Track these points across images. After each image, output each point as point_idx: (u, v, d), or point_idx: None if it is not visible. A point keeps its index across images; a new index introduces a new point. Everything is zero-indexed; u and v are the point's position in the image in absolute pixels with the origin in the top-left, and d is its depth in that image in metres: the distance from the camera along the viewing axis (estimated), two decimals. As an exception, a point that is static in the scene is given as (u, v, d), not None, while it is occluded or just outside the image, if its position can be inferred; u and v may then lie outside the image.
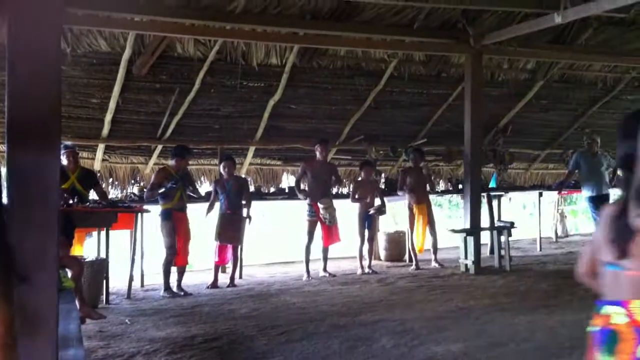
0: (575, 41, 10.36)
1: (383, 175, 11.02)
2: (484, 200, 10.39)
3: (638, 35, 10.51)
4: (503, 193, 11.52)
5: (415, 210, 9.55)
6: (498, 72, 11.04)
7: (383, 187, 10.43)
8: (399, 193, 9.72)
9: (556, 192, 11.71)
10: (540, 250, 11.09)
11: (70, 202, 7.12)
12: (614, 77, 11.94)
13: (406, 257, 10.33)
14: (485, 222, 9.99)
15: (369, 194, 9.35)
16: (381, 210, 9.40)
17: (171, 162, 8.20)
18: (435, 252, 9.66)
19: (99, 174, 9.02)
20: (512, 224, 9.52)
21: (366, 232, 9.32)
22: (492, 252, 9.85)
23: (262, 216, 11.40)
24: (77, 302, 5.56)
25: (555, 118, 12.18)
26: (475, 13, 9.06)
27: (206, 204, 8.63)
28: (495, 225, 9.90)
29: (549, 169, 12.85)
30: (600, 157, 10.73)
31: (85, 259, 7.11)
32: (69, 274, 5.75)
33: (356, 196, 9.34)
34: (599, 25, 10.07)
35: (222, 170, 8.64)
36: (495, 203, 11.07)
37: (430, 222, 9.61)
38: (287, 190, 10.06)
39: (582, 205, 14.11)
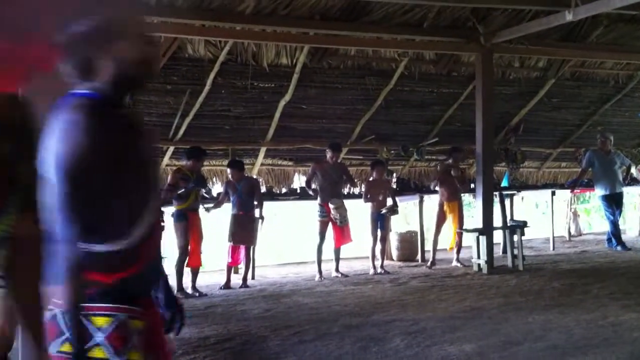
0: (586, 39, 10.31)
1: (395, 175, 11.00)
2: (497, 200, 10.36)
3: (649, 32, 10.46)
4: (515, 192, 11.49)
5: (446, 207, 9.54)
6: (509, 71, 11.00)
7: (395, 186, 10.42)
8: (431, 186, 9.98)
9: (569, 190, 11.68)
10: (554, 249, 11.03)
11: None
12: (626, 74, 11.87)
13: (418, 257, 10.31)
14: (497, 221, 9.96)
15: (381, 194, 9.34)
16: (394, 210, 9.38)
17: (186, 163, 8.19)
18: (458, 252, 9.61)
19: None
20: (524, 223, 9.48)
21: (379, 232, 9.31)
22: (504, 251, 9.81)
23: (274, 216, 11.41)
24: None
25: (567, 116, 12.13)
26: (486, 11, 9.03)
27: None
28: (508, 225, 9.85)
29: (561, 168, 12.79)
30: (614, 156, 10.69)
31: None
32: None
33: (368, 196, 9.33)
34: (610, 22, 10.02)
35: (229, 175, 8.66)
36: (507, 202, 11.03)
37: (460, 220, 9.60)
38: (298, 191, 10.07)
39: (595, 204, 14.05)
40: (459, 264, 9.49)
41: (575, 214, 13.11)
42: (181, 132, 9.41)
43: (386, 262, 9.64)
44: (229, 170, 8.64)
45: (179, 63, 8.87)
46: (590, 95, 11.96)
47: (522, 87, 11.21)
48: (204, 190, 8.30)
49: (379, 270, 9.21)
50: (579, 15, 7.93)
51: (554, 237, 11.25)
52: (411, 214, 11.40)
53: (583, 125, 12.29)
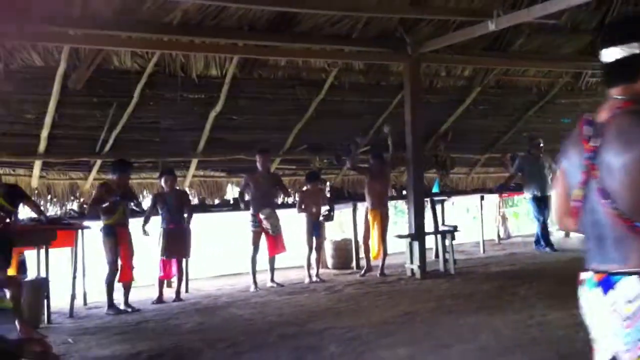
0: (509, 48, 10.62)
1: (328, 183, 11.04)
2: (428, 206, 10.52)
3: (569, 40, 10.87)
4: (446, 198, 11.72)
5: (369, 215, 9.55)
6: (436, 80, 11.21)
7: (329, 195, 10.45)
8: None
9: (497, 194, 11.99)
10: (484, 252, 11.28)
11: (7, 220, 6.91)
12: (548, 82, 12.28)
13: (353, 264, 10.38)
14: (429, 226, 10.12)
15: (315, 203, 9.34)
16: (330, 215, 9.39)
17: (112, 177, 8.05)
18: (383, 262, 9.36)
19: (36, 191, 8.79)
20: (455, 228, 9.67)
21: (314, 240, 9.32)
22: (437, 256, 9.98)
23: (206, 228, 11.27)
24: (17, 323, 5.41)
25: (494, 123, 12.46)
26: (412, 22, 9.20)
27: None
28: (439, 230, 10.03)
29: (489, 173, 13.11)
30: (543, 160, 11.04)
31: (25, 278, 6.91)
32: (7, 294, 5.60)
33: (302, 206, 9.34)
34: (532, 31, 10.35)
35: (163, 184, 8.54)
36: (438, 208, 11.24)
37: (383, 230, 9.45)
38: (231, 202, 10.00)
39: (523, 208, 14.47)
40: (379, 276, 9.26)
41: (504, 218, 13.46)
42: (109, 145, 9.22)
43: (321, 270, 9.66)
44: (163, 179, 8.51)
45: (105, 75, 8.69)
46: (515, 102, 12.32)
47: (449, 95, 11.45)
48: (133, 204, 8.15)
49: (314, 278, 9.22)
50: (501, 25, 8.15)
51: (484, 241, 11.51)
52: (346, 222, 11.45)
53: (509, 132, 12.65)
